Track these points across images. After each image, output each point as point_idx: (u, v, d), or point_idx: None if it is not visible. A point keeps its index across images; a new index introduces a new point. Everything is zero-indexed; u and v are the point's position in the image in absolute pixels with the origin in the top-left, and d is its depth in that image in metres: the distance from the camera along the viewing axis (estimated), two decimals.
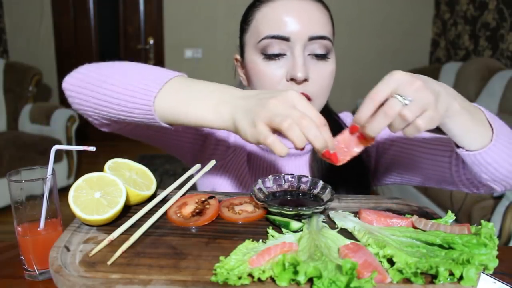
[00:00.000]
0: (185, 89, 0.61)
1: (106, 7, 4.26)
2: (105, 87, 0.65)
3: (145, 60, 4.25)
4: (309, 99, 0.76)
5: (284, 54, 0.76)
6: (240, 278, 0.45)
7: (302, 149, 0.53)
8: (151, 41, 4.23)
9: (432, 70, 3.68)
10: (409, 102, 0.52)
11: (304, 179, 0.71)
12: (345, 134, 0.59)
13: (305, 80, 0.75)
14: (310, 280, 0.45)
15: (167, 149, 0.91)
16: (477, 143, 0.64)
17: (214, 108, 0.58)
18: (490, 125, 0.64)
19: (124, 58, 4.29)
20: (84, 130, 4.20)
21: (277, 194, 0.70)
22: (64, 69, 4.25)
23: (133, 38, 4.32)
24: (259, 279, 0.46)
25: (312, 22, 0.75)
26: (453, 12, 3.89)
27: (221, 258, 0.49)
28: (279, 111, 0.52)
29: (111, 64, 0.69)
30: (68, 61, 4.25)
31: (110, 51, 4.36)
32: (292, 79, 0.75)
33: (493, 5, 3.33)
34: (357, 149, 0.59)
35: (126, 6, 4.23)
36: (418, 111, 0.52)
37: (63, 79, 0.72)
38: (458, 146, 0.66)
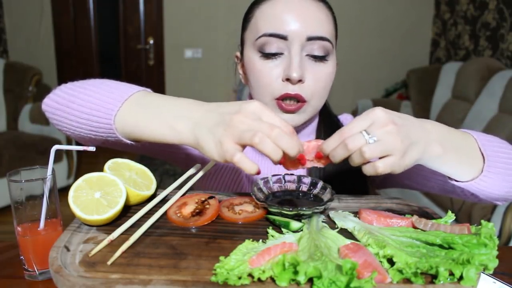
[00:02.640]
0: (144, 106, 0.61)
1: (106, 7, 4.25)
2: (73, 108, 0.66)
3: (145, 60, 4.25)
4: (303, 100, 0.75)
5: (282, 53, 0.75)
6: (240, 278, 0.45)
7: (277, 163, 0.53)
8: (151, 41, 4.23)
9: (432, 70, 3.68)
10: (373, 141, 0.52)
11: (304, 179, 0.71)
12: (309, 146, 0.59)
13: (300, 80, 0.74)
14: (310, 280, 0.45)
15: (165, 160, 0.92)
16: (466, 176, 0.64)
17: (171, 125, 0.57)
18: (482, 153, 0.64)
19: (124, 58, 4.29)
20: None
21: (277, 194, 0.70)
22: (64, 69, 4.25)
23: (133, 38, 4.31)
24: (259, 279, 0.46)
25: (312, 21, 0.74)
26: (453, 12, 3.89)
27: (221, 258, 0.49)
28: (246, 127, 0.51)
29: (81, 83, 0.69)
30: (68, 61, 4.26)
31: (110, 51, 4.36)
32: (287, 79, 0.74)
33: (493, 5, 3.33)
34: (309, 164, 0.59)
35: (126, 6, 4.23)
36: (380, 153, 0.52)
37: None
38: (450, 178, 0.66)
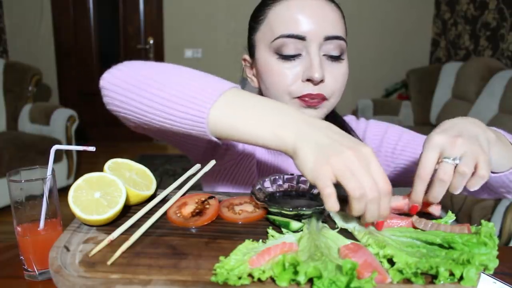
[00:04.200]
0: (243, 104, 0.56)
1: (106, 7, 4.26)
2: (151, 92, 0.58)
3: (145, 60, 4.25)
4: (325, 98, 0.76)
5: (300, 54, 0.75)
6: (240, 278, 0.45)
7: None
8: (151, 41, 4.23)
9: (432, 70, 3.68)
10: (459, 159, 0.53)
11: (304, 179, 0.71)
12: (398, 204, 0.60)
13: (322, 81, 0.74)
14: (310, 280, 0.45)
15: (182, 149, 0.89)
16: (505, 166, 0.65)
17: (274, 130, 0.53)
18: None
19: (124, 58, 4.28)
20: (84, 130, 4.20)
21: (277, 194, 0.69)
22: (64, 69, 4.25)
23: (133, 38, 4.32)
24: (259, 279, 0.46)
25: (327, 21, 0.74)
26: (453, 12, 3.89)
27: (221, 258, 0.49)
28: (353, 169, 0.49)
29: (156, 66, 0.63)
30: (68, 61, 4.26)
31: (110, 51, 4.36)
32: (308, 80, 0.74)
33: (493, 5, 3.33)
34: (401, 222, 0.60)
35: (126, 6, 4.23)
36: (472, 163, 0.53)
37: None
38: None
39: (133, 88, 0.60)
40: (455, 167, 0.54)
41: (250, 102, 0.57)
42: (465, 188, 0.75)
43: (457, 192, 0.55)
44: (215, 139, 0.58)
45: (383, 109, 3.74)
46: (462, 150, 0.54)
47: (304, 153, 0.51)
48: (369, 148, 0.51)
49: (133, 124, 0.66)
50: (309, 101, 0.75)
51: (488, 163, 0.54)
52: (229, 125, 0.56)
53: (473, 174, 0.54)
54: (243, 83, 0.89)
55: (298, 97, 0.76)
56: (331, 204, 0.50)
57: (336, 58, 0.76)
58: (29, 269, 0.57)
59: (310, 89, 0.75)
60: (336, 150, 0.50)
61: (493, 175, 0.66)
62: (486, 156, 0.54)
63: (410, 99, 3.78)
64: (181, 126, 0.58)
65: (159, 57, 4.22)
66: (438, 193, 0.55)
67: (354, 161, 0.49)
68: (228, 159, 0.87)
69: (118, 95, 0.62)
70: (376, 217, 0.51)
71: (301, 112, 0.56)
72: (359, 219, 0.62)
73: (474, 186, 0.55)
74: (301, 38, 0.73)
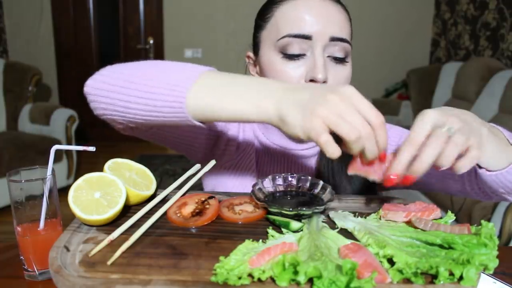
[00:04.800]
0: (220, 83, 0.57)
1: (106, 7, 4.26)
2: (132, 88, 0.60)
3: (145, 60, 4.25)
4: None
5: (304, 54, 0.75)
6: (240, 278, 0.45)
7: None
8: (151, 41, 4.23)
9: (432, 70, 3.68)
10: (453, 132, 0.52)
11: (304, 179, 0.71)
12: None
13: (325, 82, 0.74)
14: (310, 280, 0.45)
15: (179, 150, 0.89)
16: (501, 164, 0.64)
17: (255, 102, 0.54)
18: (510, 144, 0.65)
19: (124, 58, 4.29)
20: (84, 130, 4.20)
21: (277, 194, 0.69)
22: (64, 69, 4.25)
23: (133, 38, 4.31)
24: (259, 279, 0.46)
25: (334, 22, 0.74)
26: (453, 12, 3.89)
27: (221, 258, 0.49)
28: (340, 112, 0.49)
29: (135, 64, 0.65)
30: (68, 61, 4.25)
31: (110, 51, 4.36)
32: (311, 80, 0.74)
33: (493, 5, 3.33)
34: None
35: (126, 6, 4.23)
36: (465, 138, 0.52)
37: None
38: (479, 166, 0.65)
39: (114, 87, 0.62)
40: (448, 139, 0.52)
41: (228, 80, 0.57)
42: (465, 188, 0.75)
43: (445, 165, 0.52)
44: (199, 123, 0.59)
45: (383, 109, 3.74)
46: (456, 126, 0.53)
47: (290, 116, 0.51)
48: (350, 87, 0.51)
49: (120, 125, 0.68)
50: None
51: (480, 145, 0.53)
52: (209, 106, 0.56)
53: (463, 157, 0.53)
54: None
55: None
56: (332, 150, 0.50)
57: (340, 60, 0.76)
58: (29, 269, 0.57)
59: None
60: (319, 100, 0.50)
61: (488, 173, 0.65)
62: (479, 138, 0.54)
63: (410, 99, 3.77)
64: (163, 115, 0.59)
65: (159, 57, 4.22)
66: (425, 159, 0.51)
67: (339, 104, 0.49)
68: (227, 160, 0.87)
69: (102, 98, 0.63)
70: (375, 152, 0.52)
71: (279, 81, 0.56)
72: (358, 215, 0.62)
73: (465, 167, 0.53)
74: (307, 37, 0.73)
